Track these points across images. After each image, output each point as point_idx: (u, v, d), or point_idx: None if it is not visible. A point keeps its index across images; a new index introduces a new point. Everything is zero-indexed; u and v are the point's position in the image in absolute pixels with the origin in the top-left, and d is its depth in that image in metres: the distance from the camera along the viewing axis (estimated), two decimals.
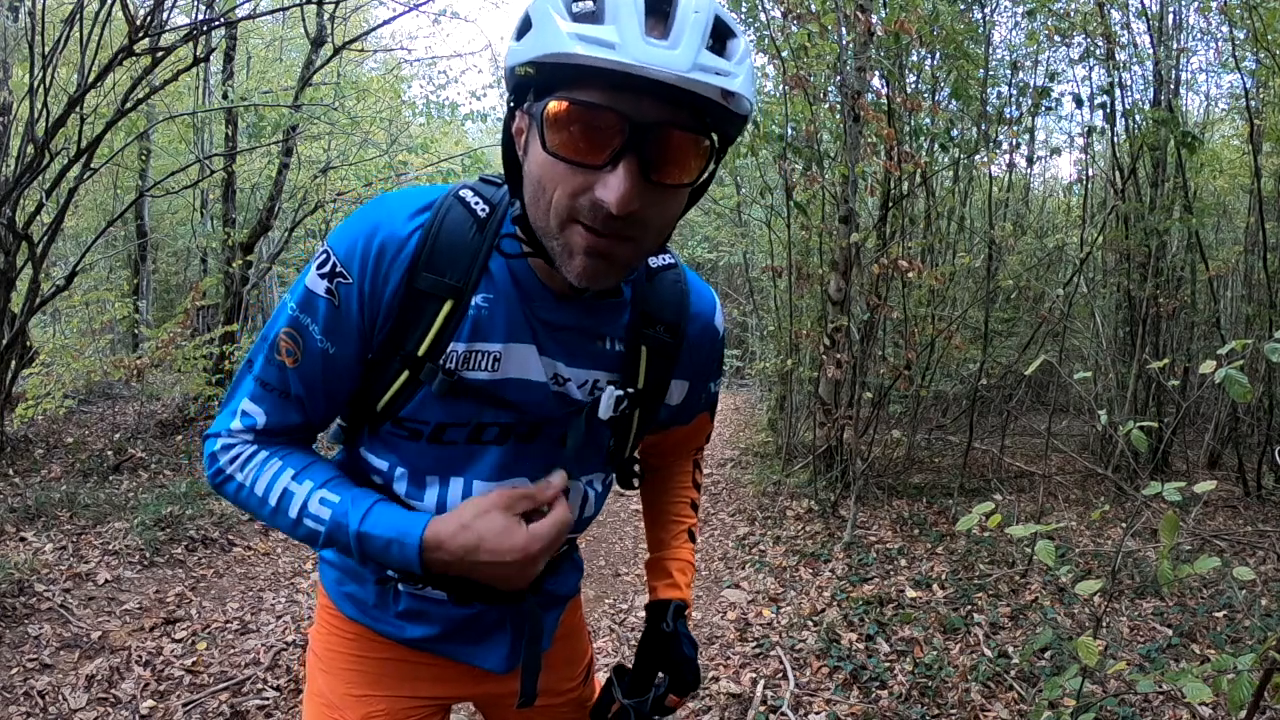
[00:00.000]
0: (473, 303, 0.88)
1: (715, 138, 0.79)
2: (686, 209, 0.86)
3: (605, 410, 0.94)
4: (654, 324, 0.98)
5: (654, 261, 1.00)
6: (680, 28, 0.72)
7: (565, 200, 0.77)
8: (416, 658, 1.05)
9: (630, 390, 0.96)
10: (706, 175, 0.82)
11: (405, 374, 0.90)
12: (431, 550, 0.86)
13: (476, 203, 0.90)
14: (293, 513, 0.90)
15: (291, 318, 0.89)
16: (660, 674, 1.11)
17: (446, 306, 0.87)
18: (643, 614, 1.17)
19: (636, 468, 1.13)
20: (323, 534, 0.89)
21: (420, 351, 0.88)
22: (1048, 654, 3.12)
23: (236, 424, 0.93)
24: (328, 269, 0.87)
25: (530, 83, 0.78)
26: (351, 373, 0.92)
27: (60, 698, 2.67)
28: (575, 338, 0.94)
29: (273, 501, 0.90)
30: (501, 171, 0.92)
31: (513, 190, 0.88)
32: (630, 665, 1.15)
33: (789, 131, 5.77)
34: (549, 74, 0.75)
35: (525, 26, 0.77)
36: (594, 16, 0.72)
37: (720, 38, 0.76)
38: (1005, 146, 7.76)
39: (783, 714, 2.79)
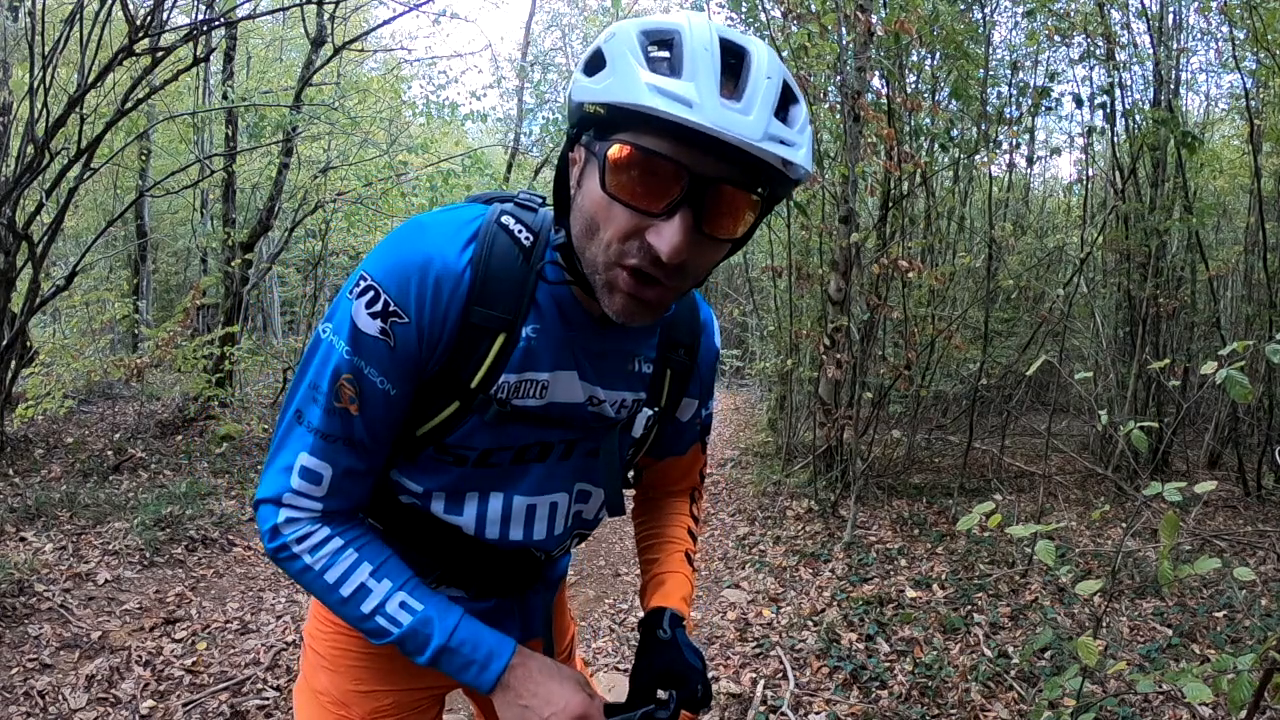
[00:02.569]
0: (522, 334, 0.89)
1: (764, 193, 0.80)
2: (725, 258, 0.87)
3: (639, 428, 1.01)
4: (677, 348, 1.03)
5: None
6: (753, 93, 0.74)
7: (616, 241, 0.78)
8: None
9: (656, 409, 1.03)
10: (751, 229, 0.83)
11: (456, 405, 0.90)
12: (501, 689, 0.91)
13: (520, 230, 0.90)
14: (365, 608, 0.89)
15: (346, 362, 0.85)
16: (667, 691, 0.99)
17: (500, 340, 0.88)
18: (642, 615, 1.16)
19: (631, 472, 1.17)
20: (395, 635, 0.89)
21: (474, 384, 0.88)
22: (1048, 654, 3.12)
23: (297, 482, 0.88)
24: (379, 307, 0.83)
25: (596, 120, 0.78)
26: (407, 407, 0.91)
27: (60, 698, 2.67)
28: (612, 363, 0.97)
29: (345, 593, 0.89)
30: (496, 182, 0.93)
31: (559, 218, 0.88)
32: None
33: None
34: (617, 115, 0.75)
35: (598, 63, 0.78)
36: (672, 68, 0.73)
37: (785, 103, 0.78)
38: (1005, 146, 7.77)
39: (783, 714, 2.79)
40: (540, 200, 0.96)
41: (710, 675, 3.05)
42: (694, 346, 1.05)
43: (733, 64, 0.75)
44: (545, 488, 0.99)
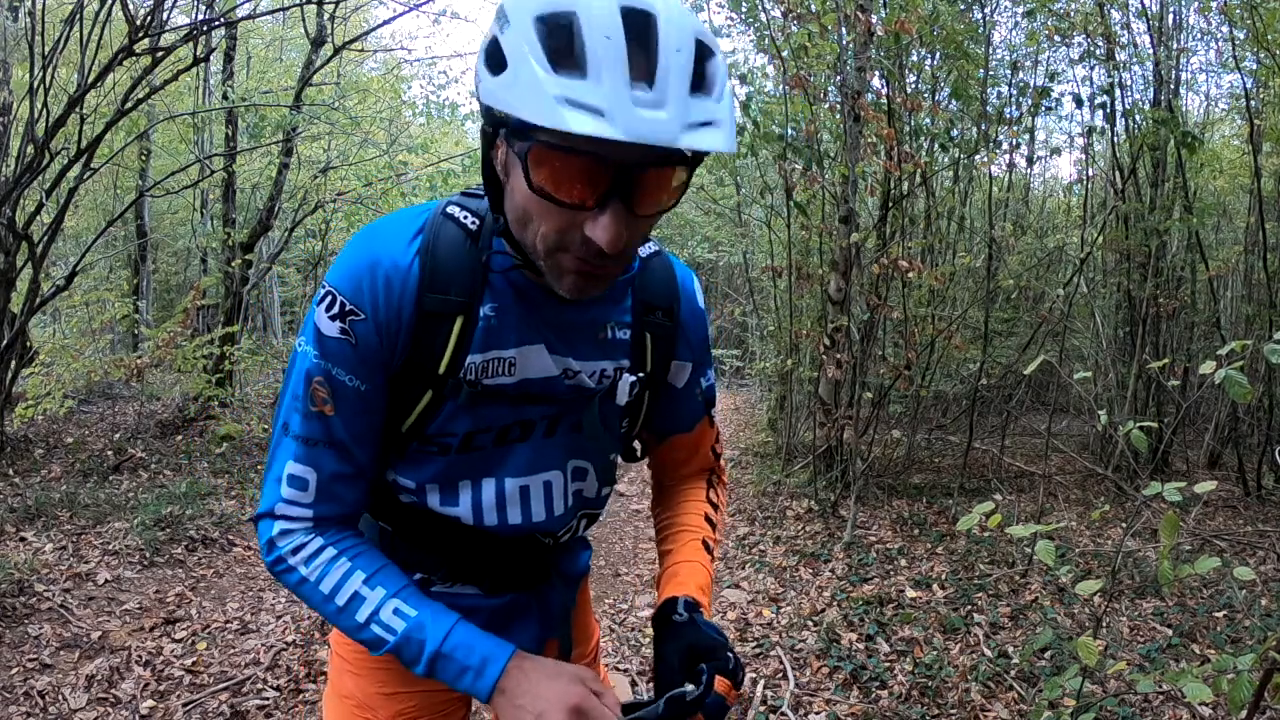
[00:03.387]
0: (481, 314, 0.91)
1: (690, 155, 0.78)
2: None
3: (622, 395, 0.99)
4: (653, 310, 1.03)
5: (642, 251, 1.04)
6: (665, 74, 0.70)
7: (553, 235, 0.79)
8: None
9: (641, 374, 1.02)
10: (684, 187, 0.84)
11: (429, 393, 0.91)
12: (499, 694, 0.88)
13: (465, 217, 0.92)
14: (360, 616, 0.89)
15: (316, 366, 0.89)
16: (697, 666, 0.94)
17: (458, 323, 0.90)
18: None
19: (636, 443, 1.16)
20: (390, 644, 0.88)
21: (441, 370, 0.90)
22: (1048, 654, 3.12)
23: (286, 491, 0.91)
24: (337, 309, 0.87)
25: (508, 120, 0.75)
26: (384, 402, 0.93)
27: (60, 698, 2.67)
28: (579, 332, 0.97)
29: (339, 602, 0.90)
30: (481, 182, 0.93)
31: (495, 206, 0.88)
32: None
33: (789, 131, 5.77)
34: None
35: (498, 62, 0.73)
36: (575, 65, 0.69)
37: (700, 66, 0.74)
38: (1005, 146, 7.76)
39: (783, 714, 2.79)
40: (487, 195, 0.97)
41: None
42: (673, 308, 1.04)
43: (642, 37, 0.70)
44: (535, 467, 0.99)
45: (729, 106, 0.76)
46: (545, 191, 0.76)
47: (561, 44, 0.70)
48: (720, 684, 0.92)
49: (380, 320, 0.87)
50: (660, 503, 1.22)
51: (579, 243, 0.79)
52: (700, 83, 0.74)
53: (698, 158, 0.81)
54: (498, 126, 0.80)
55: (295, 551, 0.91)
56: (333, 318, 0.87)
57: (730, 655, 0.95)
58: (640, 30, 0.71)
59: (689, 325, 1.08)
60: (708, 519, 1.16)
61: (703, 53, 0.74)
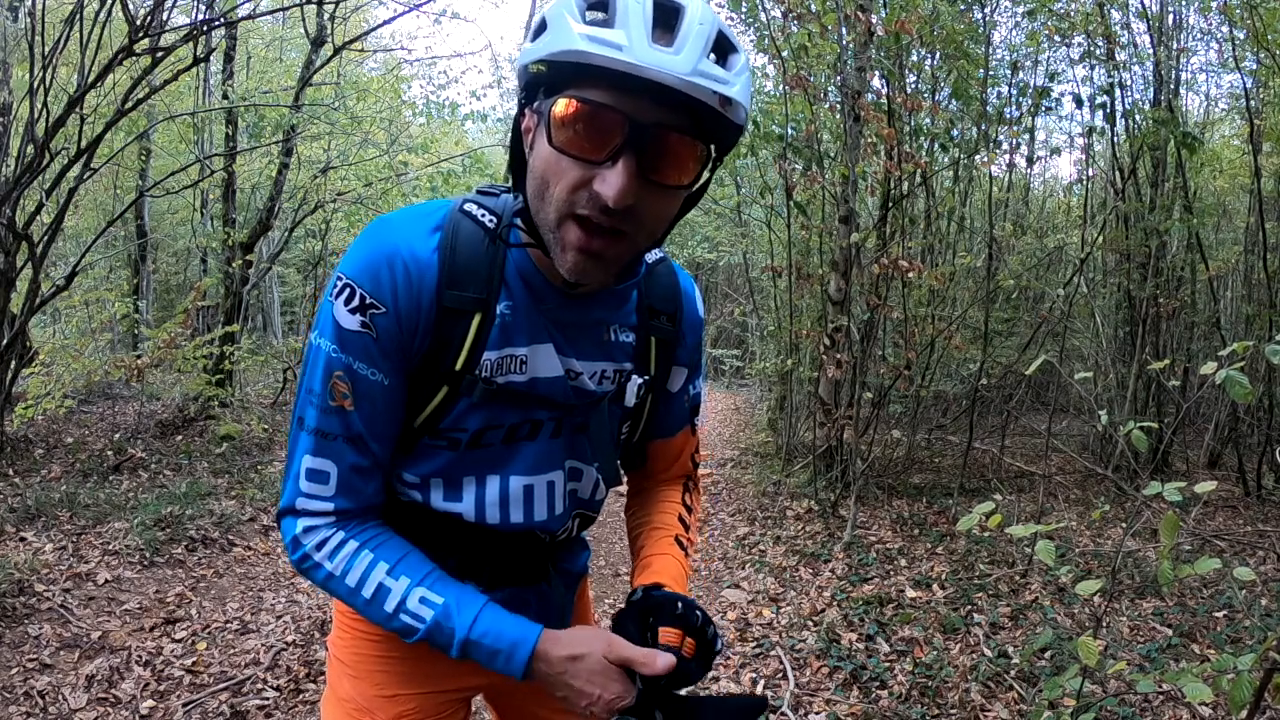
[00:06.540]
0: (497, 311, 0.92)
1: (712, 146, 0.84)
2: (681, 214, 0.90)
3: (630, 397, 1.01)
4: (658, 315, 1.05)
5: (648, 257, 1.05)
6: (684, 37, 0.77)
7: (566, 193, 0.81)
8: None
9: (647, 377, 1.04)
10: (701, 181, 0.86)
11: (445, 389, 0.92)
12: (537, 661, 0.90)
13: (483, 215, 0.93)
14: (389, 607, 0.90)
15: (335, 360, 0.88)
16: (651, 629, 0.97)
17: (476, 319, 0.90)
18: None
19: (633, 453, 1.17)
20: (421, 632, 0.89)
21: (458, 366, 0.91)
22: (1048, 654, 3.12)
23: (305, 485, 0.91)
24: (356, 303, 0.87)
25: (541, 81, 0.82)
26: (404, 395, 0.93)
27: (60, 698, 2.67)
28: (584, 333, 0.98)
29: (366, 594, 0.90)
30: (496, 181, 0.96)
31: (517, 184, 0.92)
32: None
33: (789, 131, 5.77)
34: (559, 73, 0.79)
35: (541, 29, 0.82)
36: (605, 22, 0.77)
37: (722, 51, 0.81)
38: (1005, 146, 7.77)
39: (783, 714, 2.79)
40: (503, 189, 0.99)
41: (710, 675, 3.05)
42: (676, 314, 1.07)
43: (670, 22, 0.78)
44: (540, 467, 1.00)
45: (745, 81, 0.81)
46: (564, 147, 0.80)
47: (598, 14, 0.78)
48: (665, 634, 0.94)
49: (401, 313, 0.87)
50: (634, 505, 1.23)
51: (587, 200, 0.80)
52: (721, 62, 0.80)
53: (720, 147, 0.85)
54: (532, 91, 0.84)
55: (319, 548, 0.91)
56: (352, 311, 0.87)
57: (679, 604, 0.95)
58: (668, 15, 0.78)
59: (688, 331, 1.10)
60: (681, 519, 1.17)
61: (724, 44, 0.81)
